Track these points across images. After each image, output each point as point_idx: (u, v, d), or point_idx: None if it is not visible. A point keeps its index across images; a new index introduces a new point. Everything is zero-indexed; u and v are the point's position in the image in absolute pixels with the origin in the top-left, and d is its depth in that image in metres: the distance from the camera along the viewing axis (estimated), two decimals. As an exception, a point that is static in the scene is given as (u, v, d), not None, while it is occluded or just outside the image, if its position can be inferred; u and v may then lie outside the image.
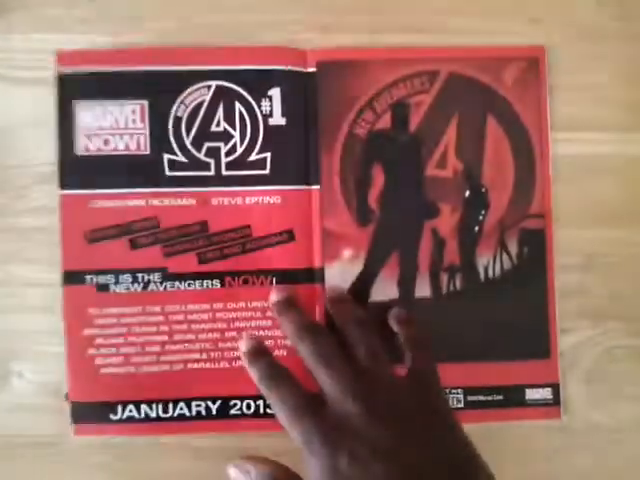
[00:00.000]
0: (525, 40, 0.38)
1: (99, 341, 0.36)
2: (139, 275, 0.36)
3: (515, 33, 0.38)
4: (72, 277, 0.36)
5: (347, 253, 0.37)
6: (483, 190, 0.38)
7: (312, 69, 0.37)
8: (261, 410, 0.36)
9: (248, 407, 0.36)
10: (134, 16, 0.37)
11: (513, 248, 0.38)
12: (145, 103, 0.36)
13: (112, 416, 0.36)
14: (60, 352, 0.36)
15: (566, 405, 0.37)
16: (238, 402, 0.36)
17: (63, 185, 0.36)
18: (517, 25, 0.38)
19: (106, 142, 0.36)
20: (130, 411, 0.36)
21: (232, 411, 0.36)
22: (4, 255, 0.36)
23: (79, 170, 0.36)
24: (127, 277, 0.36)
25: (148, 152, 0.36)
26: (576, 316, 0.38)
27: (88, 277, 0.36)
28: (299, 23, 0.38)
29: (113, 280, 0.36)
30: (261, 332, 0.36)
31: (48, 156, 0.37)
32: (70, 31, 0.37)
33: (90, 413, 0.36)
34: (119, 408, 0.36)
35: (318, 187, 0.37)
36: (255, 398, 0.36)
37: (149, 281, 0.36)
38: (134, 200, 0.36)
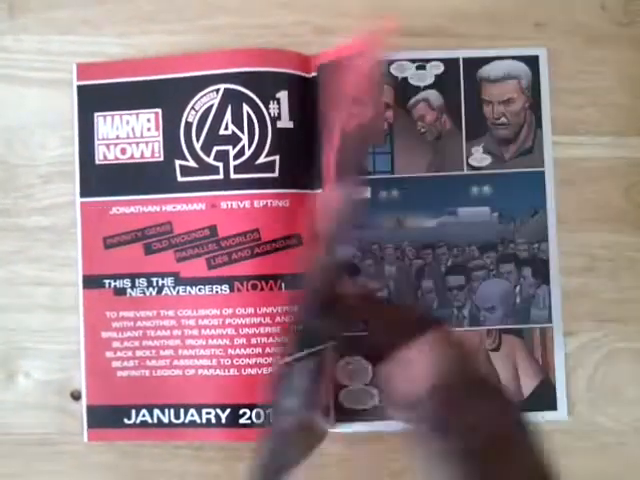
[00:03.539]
0: (529, 44, 0.38)
1: (116, 344, 0.37)
2: (154, 279, 0.37)
3: (519, 37, 0.38)
4: (91, 281, 0.37)
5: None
6: None
7: (314, 74, 0.37)
8: (271, 419, 0.35)
9: (258, 416, 0.35)
10: (143, 18, 0.38)
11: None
12: (159, 111, 0.37)
13: (126, 420, 0.36)
14: (66, 350, 0.37)
15: (570, 407, 0.37)
16: (247, 411, 0.35)
17: (83, 193, 0.37)
18: (521, 29, 0.38)
19: (123, 151, 0.37)
20: (143, 416, 0.36)
21: (242, 420, 0.35)
22: (10, 255, 0.38)
23: (98, 179, 0.37)
24: (142, 281, 0.37)
25: (162, 159, 0.37)
26: (579, 318, 0.37)
27: (106, 281, 0.37)
28: (301, 25, 0.38)
29: (129, 284, 0.37)
30: (270, 339, 0.35)
31: (54, 156, 0.38)
32: (78, 33, 0.38)
33: (105, 417, 0.36)
34: (133, 412, 0.36)
35: (321, 191, 0.37)
36: (265, 407, 0.35)
37: (163, 285, 0.37)
38: (149, 206, 0.37)
